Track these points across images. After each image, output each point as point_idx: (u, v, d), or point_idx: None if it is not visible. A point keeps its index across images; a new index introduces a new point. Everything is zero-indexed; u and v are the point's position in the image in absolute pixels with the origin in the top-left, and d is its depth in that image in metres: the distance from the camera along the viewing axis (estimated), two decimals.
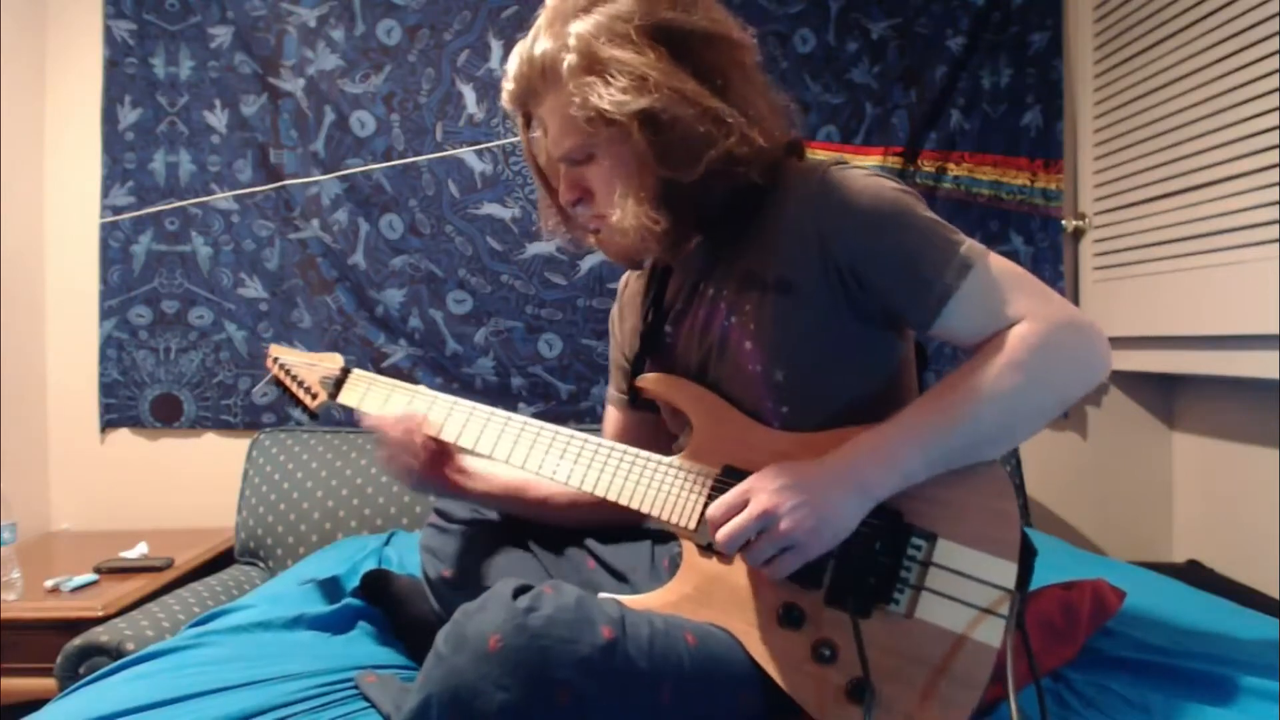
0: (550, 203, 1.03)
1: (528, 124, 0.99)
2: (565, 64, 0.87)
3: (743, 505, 0.83)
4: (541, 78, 0.90)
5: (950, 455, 0.84)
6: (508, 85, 0.95)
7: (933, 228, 0.88)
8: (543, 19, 0.91)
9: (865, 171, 0.92)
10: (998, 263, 0.88)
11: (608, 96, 0.85)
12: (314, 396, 1.19)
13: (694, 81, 0.88)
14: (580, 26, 0.87)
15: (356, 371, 1.17)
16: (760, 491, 0.82)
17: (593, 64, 0.86)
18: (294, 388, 1.21)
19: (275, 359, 1.24)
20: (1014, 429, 0.87)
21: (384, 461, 1.07)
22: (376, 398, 1.12)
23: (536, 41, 0.90)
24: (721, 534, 0.82)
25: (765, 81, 0.96)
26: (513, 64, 0.93)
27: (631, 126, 0.86)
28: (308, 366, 1.21)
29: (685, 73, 0.88)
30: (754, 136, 0.90)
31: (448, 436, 1.05)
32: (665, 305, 1.06)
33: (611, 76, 0.85)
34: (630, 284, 1.18)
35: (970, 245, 0.88)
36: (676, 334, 1.04)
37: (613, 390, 1.19)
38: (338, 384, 1.17)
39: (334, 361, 1.20)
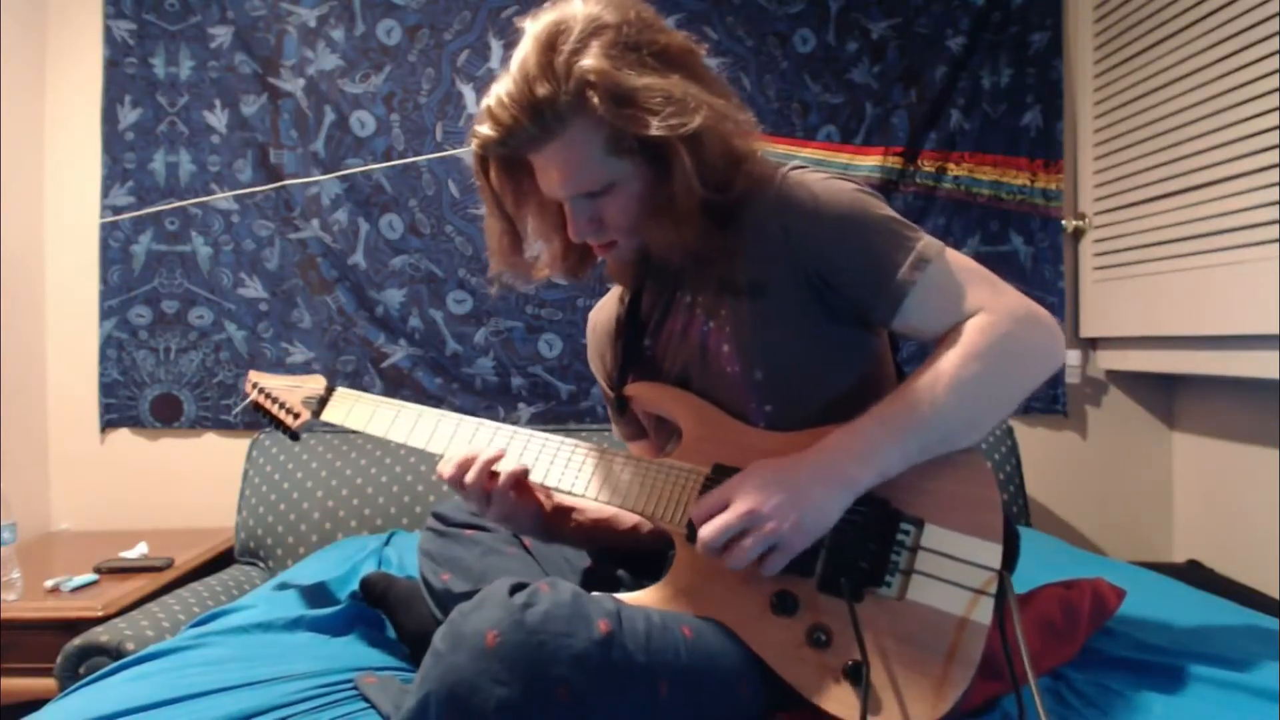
0: (509, 244, 1.01)
1: (485, 168, 0.95)
2: (592, 100, 0.84)
3: (725, 505, 0.83)
4: (554, 119, 0.87)
5: (925, 445, 0.86)
6: (490, 132, 0.89)
7: (890, 225, 0.91)
8: (528, 61, 0.86)
9: (823, 174, 0.94)
10: (954, 257, 0.92)
11: (656, 123, 0.84)
12: (296, 416, 1.20)
13: (712, 95, 0.89)
14: (590, 62, 0.84)
15: (341, 390, 1.18)
16: (742, 491, 0.83)
17: (626, 95, 0.85)
18: (274, 409, 1.22)
19: (255, 384, 1.25)
20: (982, 417, 0.89)
21: (494, 520, 1.00)
22: (361, 414, 1.13)
23: (536, 85, 0.85)
24: (705, 532, 0.83)
25: None
26: (502, 110, 0.88)
27: (681, 149, 0.86)
28: (290, 389, 1.22)
29: (704, 89, 0.89)
30: (756, 145, 0.93)
31: (434, 450, 1.05)
32: (642, 318, 1.07)
33: (653, 103, 0.85)
34: (599, 319, 1.19)
35: (927, 241, 0.91)
36: (656, 345, 1.05)
37: (616, 428, 1.18)
38: (321, 402, 1.18)
39: (318, 382, 1.21)
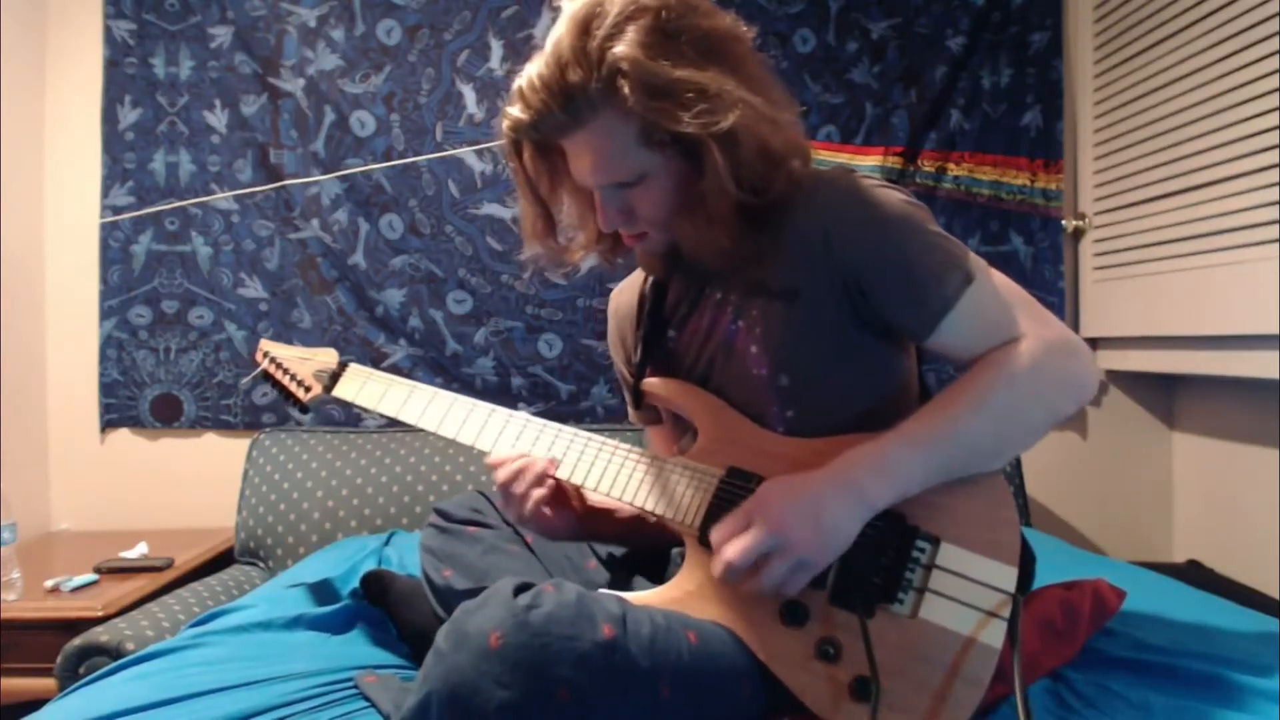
0: (543, 228, 0.99)
1: (519, 150, 0.93)
2: (623, 89, 0.81)
3: (747, 525, 0.81)
4: (586, 107, 0.84)
5: (947, 467, 0.85)
6: (520, 115, 0.87)
7: (938, 241, 0.89)
8: (562, 43, 0.84)
9: (875, 181, 0.92)
10: (999, 280, 0.90)
11: (688, 119, 0.81)
12: (306, 389, 1.17)
13: (752, 92, 0.86)
14: (624, 49, 0.81)
15: (354, 366, 1.15)
16: (763, 512, 0.81)
17: (659, 87, 0.81)
18: (285, 380, 1.19)
19: (265, 353, 1.22)
20: (1009, 444, 0.88)
21: (521, 523, 0.99)
22: (373, 392, 1.10)
23: (568, 70, 0.83)
24: (729, 555, 0.80)
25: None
26: (533, 94, 0.85)
27: (713, 147, 0.83)
28: (300, 360, 1.19)
29: (743, 84, 0.85)
30: (801, 143, 0.91)
31: (445, 433, 1.04)
32: (667, 311, 1.05)
33: (685, 98, 0.81)
34: (621, 301, 1.17)
35: (974, 261, 0.89)
36: (679, 338, 1.03)
37: (633, 413, 1.17)
38: (334, 377, 1.15)
39: (330, 356, 1.18)
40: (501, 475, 0.97)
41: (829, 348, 0.92)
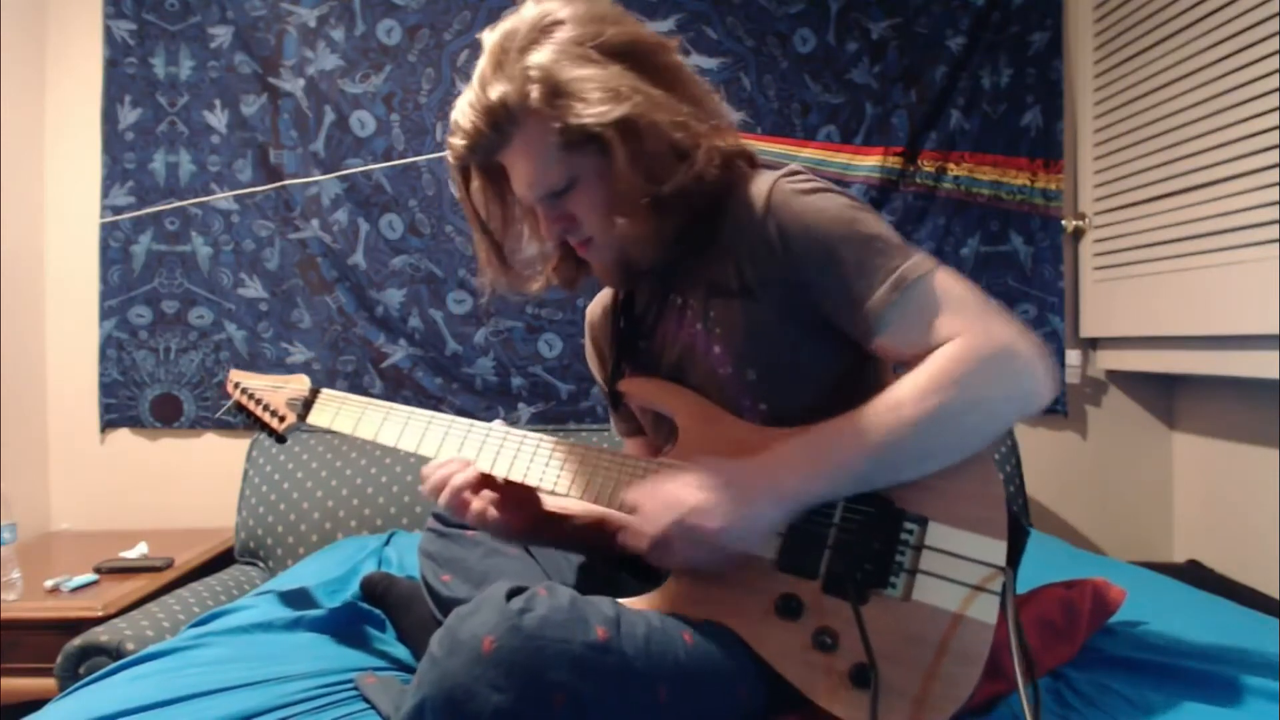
0: (494, 256, 1.03)
1: (466, 181, 0.99)
2: (533, 95, 0.87)
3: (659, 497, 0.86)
4: (508, 121, 0.89)
5: (872, 475, 0.85)
6: (458, 141, 0.93)
7: (877, 243, 0.88)
8: (485, 67, 0.91)
9: (816, 184, 0.92)
10: (943, 281, 0.87)
11: (586, 112, 0.86)
12: (281, 419, 1.16)
13: (656, 88, 0.90)
14: (538, 58, 0.87)
15: (326, 391, 1.14)
16: (680, 487, 0.85)
17: (562, 87, 0.87)
18: (259, 411, 1.18)
19: (236, 384, 1.21)
20: (932, 452, 0.85)
21: (483, 528, 1.00)
22: (348, 416, 1.09)
23: (489, 88, 0.89)
24: (634, 526, 0.85)
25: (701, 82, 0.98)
26: (464, 118, 0.91)
27: (614, 138, 0.87)
28: (272, 389, 1.18)
29: (646, 81, 0.90)
30: (716, 138, 0.93)
31: (424, 453, 1.03)
32: (636, 318, 1.07)
33: (584, 94, 0.86)
34: (594, 316, 1.18)
35: (915, 262, 0.87)
36: (650, 345, 1.05)
37: (615, 426, 1.18)
38: (306, 405, 1.14)
39: (301, 383, 1.17)
40: (427, 490, 0.98)
41: (789, 341, 0.92)
